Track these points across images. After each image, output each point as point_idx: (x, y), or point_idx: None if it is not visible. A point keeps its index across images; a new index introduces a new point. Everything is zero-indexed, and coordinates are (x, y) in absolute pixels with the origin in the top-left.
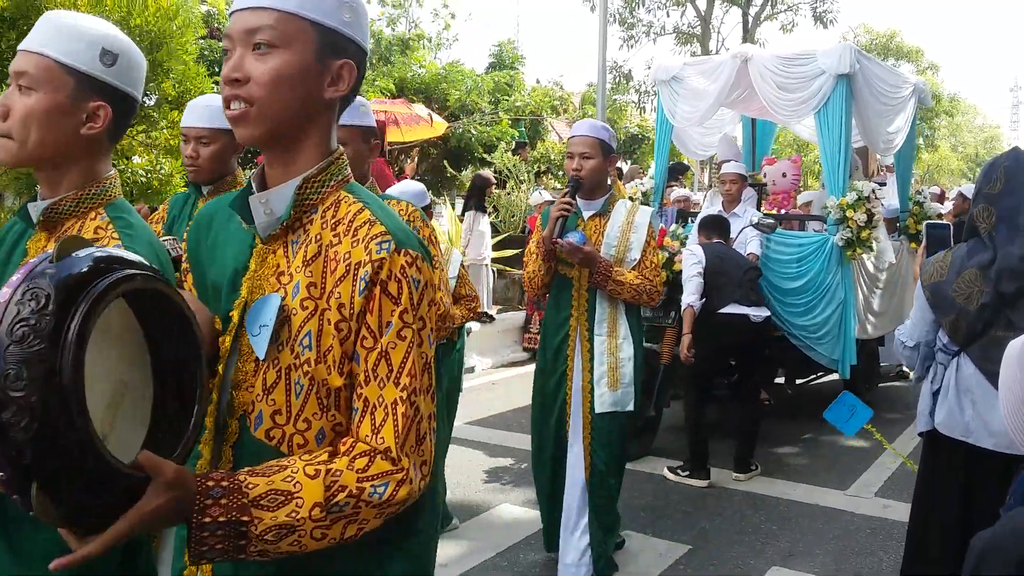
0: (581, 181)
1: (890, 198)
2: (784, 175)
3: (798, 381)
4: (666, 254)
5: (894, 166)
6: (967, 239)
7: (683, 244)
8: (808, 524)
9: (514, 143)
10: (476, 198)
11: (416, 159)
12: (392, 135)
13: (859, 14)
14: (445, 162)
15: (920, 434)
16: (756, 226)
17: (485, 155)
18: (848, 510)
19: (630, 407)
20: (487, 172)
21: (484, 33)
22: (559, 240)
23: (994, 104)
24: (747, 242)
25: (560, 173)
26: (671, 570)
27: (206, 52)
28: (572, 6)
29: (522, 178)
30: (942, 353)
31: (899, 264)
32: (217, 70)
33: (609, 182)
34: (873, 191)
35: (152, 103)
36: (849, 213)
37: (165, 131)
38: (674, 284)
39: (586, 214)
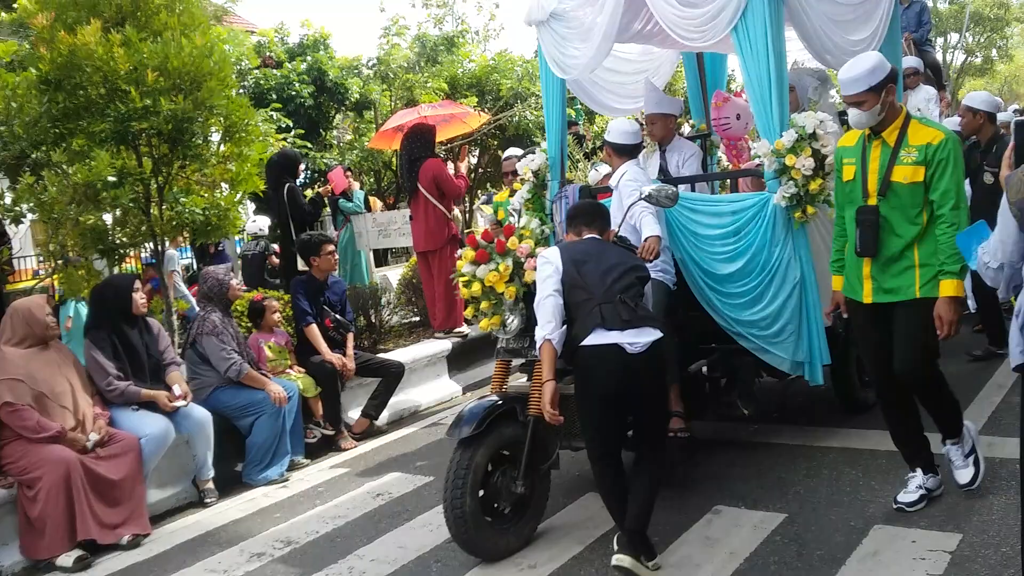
0: None
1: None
2: (739, 116)
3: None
4: (509, 263)
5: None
6: None
7: (542, 244)
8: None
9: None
10: None
11: (467, 155)
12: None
13: None
14: (500, 153)
15: (1015, 369)
16: (648, 199)
17: (542, 140)
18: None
19: None
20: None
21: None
22: None
23: None
24: (639, 225)
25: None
26: (766, 544)
27: (262, 82)
28: None
29: (576, 158)
30: None
31: None
32: (274, 97)
33: None
34: (821, 123)
35: (202, 141)
36: (789, 160)
37: (218, 166)
38: (529, 299)
39: None
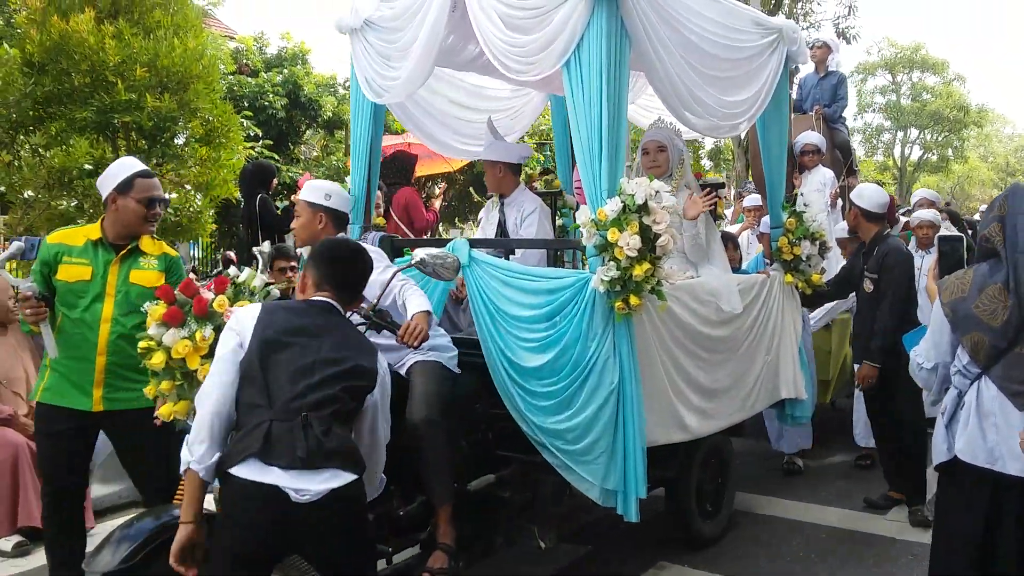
0: None
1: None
2: None
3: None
4: (209, 332)
5: (766, 168)
6: (984, 260)
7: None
8: (848, 551)
9: (539, 168)
10: None
11: (444, 188)
12: (418, 169)
13: (882, 28)
14: (471, 189)
15: (936, 467)
16: (421, 267)
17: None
18: (889, 536)
19: None
20: None
21: None
22: None
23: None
24: (404, 301)
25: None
26: None
27: (235, 88)
28: None
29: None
30: (960, 376)
31: (768, 306)
32: (246, 105)
33: None
34: (656, 192)
35: (182, 142)
36: (612, 235)
37: (194, 168)
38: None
39: None
